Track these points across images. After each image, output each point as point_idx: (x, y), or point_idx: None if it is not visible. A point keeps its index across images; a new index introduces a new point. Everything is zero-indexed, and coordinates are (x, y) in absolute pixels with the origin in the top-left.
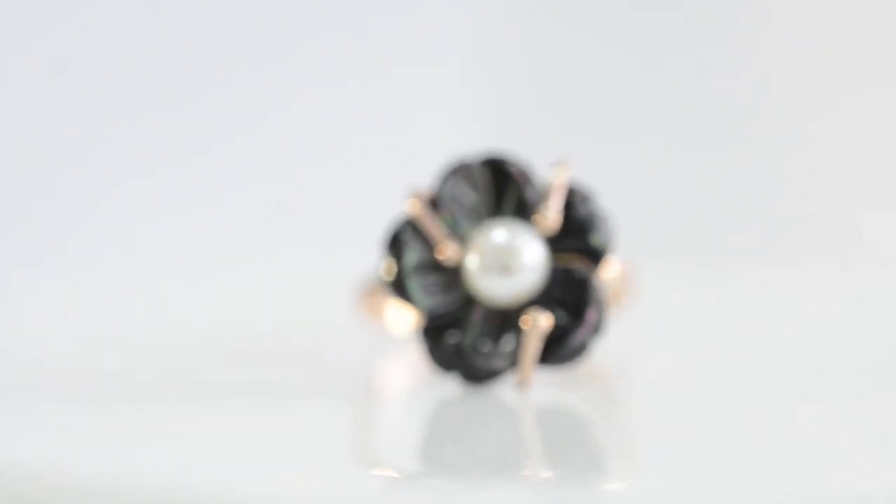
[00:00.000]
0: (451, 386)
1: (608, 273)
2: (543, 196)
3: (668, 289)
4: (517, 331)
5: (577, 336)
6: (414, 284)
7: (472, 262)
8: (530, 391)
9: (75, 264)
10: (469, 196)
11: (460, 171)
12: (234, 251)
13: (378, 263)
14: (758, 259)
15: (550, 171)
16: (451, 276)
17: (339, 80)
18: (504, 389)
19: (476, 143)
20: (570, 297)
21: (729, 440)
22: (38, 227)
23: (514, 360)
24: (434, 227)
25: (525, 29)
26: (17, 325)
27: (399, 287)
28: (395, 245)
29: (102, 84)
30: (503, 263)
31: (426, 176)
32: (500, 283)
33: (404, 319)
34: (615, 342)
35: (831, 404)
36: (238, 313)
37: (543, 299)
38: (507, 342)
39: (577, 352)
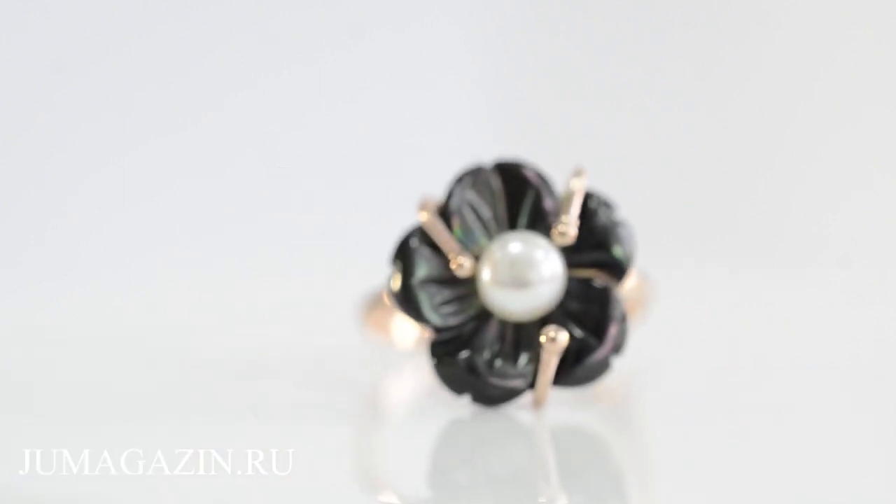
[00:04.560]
0: (461, 405)
1: (627, 286)
2: (561, 205)
3: (678, 297)
4: (534, 348)
5: (598, 353)
6: (423, 298)
7: (486, 275)
8: (546, 411)
9: (68, 273)
10: (483, 205)
11: (473, 179)
12: (235, 261)
13: (386, 276)
14: (764, 259)
15: (568, 179)
16: (464, 290)
17: (343, 85)
18: (518, 409)
19: (487, 150)
20: (590, 312)
21: (747, 457)
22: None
23: (530, 379)
24: (445, 237)
25: (531, 33)
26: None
27: (407, 301)
28: (404, 256)
29: (94, 86)
30: (519, 276)
31: (439, 184)
32: (516, 297)
33: (412, 335)
34: (630, 356)
35: (847, 412)
36: (239, 329)
37: (561, 314)
38: (524, 360)
39: (598, 370)
